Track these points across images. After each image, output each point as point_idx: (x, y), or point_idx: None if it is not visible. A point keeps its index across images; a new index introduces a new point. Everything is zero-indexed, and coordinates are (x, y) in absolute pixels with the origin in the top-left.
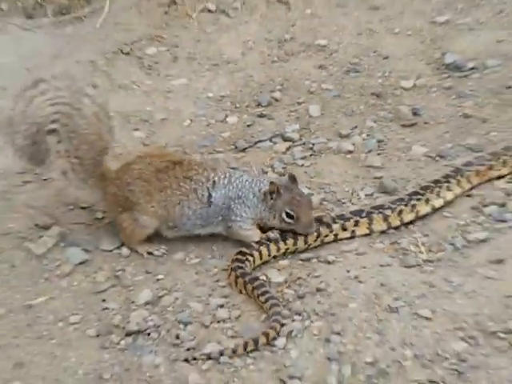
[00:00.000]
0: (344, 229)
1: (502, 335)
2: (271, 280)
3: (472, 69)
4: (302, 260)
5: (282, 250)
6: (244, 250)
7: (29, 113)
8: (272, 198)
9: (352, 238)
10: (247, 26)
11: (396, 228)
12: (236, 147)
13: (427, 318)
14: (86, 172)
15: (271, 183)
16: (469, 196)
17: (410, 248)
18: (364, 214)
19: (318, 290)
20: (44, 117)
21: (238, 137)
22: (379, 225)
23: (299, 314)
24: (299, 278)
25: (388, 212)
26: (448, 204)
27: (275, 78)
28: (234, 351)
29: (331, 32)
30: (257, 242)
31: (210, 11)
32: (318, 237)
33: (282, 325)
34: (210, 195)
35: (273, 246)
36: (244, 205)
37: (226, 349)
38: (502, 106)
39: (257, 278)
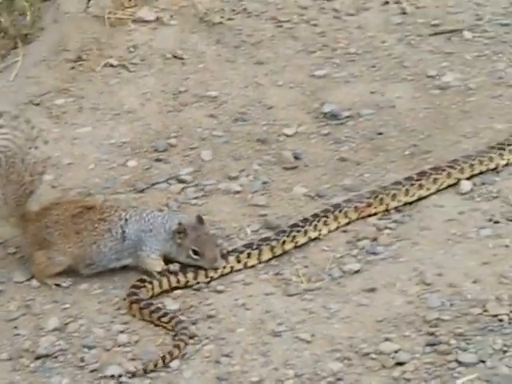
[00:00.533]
0: (238, 261)
1: (374, 356)
2: (167, 307)
3: (348, 117)
4: (194, 289)
5: (183, 282)
6: (144, 277)
7: None
8: (180, 238)
9: (245, 268)
10: (146, 79)
11: (279, 256)
12: (135, 188)
13: (307, 341)
14: (9, 210)
15: (179, 224)
16: (344, 231)
17: (292, 278)
18: (255, 246)
19: (209, 316)
20: None
21: (137, 179)
22: (267, 255)
23: (192, 338)
24: (192, 306)
25: (274, 243)
26: (324, 235)
27: (170, 126)
28: (155, 365)
29: (221, 85)
30: (158, 273)
31: (112, 66)
32: (217, 270)
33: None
34: (123, 232)
35: (173, 278)
36: (155, 238)
37: (147, 363)
38: (374, 151)
39: (151, 304)
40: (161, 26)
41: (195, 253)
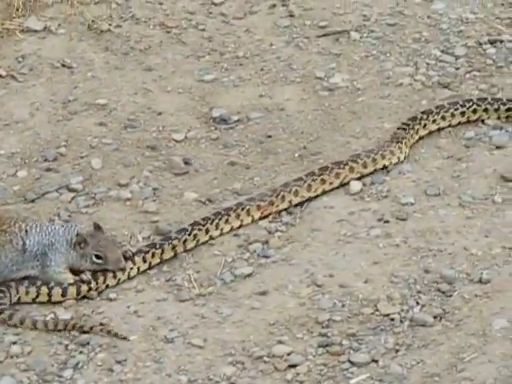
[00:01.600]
0: (144, 261)
1: (266, 359)
2: (59, 317)
3: (237, 121)
4: (86, 298)
5: (94, 289)
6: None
7: None
8: (81, 248)
9: (150, 268)
10: (34, 89)
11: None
12: (26, 199)
13: (200, 347)
14: None
15: (78, 235)
16: (236, 235)
17: (184, 284)
18: (158, 246)
19: (102, 324)
20: None
21: (28, 189)
22: (168, 254)
23: (84, 347)
24: (84, 315)
25: (175, 242)
26: (225, 233)
27: (60, 135)
28: None
29: (110, 92)
30: (71, 284)
31: (0, 76)
32: (124, 271)
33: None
34: (24, 243)
35: (84, 287)
36: (58, 251)
37: None
38: (263, 154)
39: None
40: (49, 34)
41: (98, 257)
